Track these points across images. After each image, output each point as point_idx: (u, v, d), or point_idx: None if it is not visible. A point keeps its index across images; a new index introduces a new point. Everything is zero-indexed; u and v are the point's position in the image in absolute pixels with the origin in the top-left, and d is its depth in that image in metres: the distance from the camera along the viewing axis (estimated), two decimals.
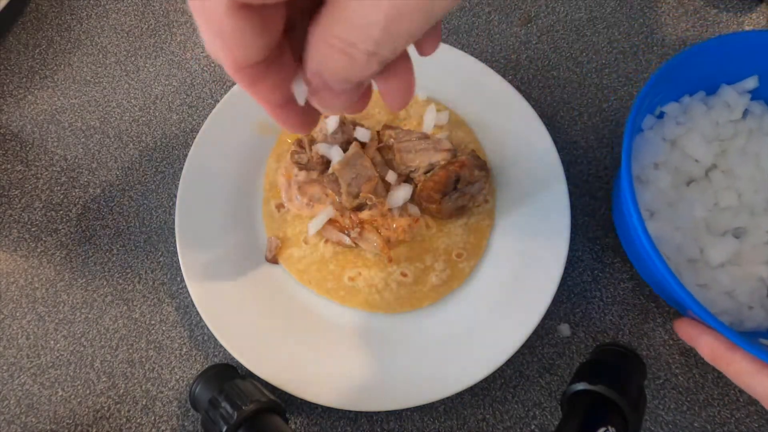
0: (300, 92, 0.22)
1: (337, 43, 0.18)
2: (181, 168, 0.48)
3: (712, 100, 0.47)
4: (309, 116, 0.24)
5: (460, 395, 0.44)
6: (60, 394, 0.45)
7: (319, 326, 0.45)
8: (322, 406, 0.44)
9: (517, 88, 0.53)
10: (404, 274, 0.46)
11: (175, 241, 0.46)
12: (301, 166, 0.47)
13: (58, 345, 0.47)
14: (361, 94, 0.23)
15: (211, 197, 0.47)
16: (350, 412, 0.44)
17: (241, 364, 0.44)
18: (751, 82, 0.46)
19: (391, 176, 0.47)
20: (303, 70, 0.21)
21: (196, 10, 0.18)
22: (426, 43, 0.23)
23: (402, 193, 0.46)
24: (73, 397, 0.45)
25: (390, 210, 0.46)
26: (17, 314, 0.47)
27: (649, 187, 0.45)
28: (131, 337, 0.47)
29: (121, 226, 0.50)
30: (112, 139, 0.54)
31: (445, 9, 0.18)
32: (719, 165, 0.46)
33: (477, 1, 0.59)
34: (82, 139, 0.54)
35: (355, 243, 0.46)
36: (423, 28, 0.18)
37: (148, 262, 0.49)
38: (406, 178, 0.48)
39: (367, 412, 0.44)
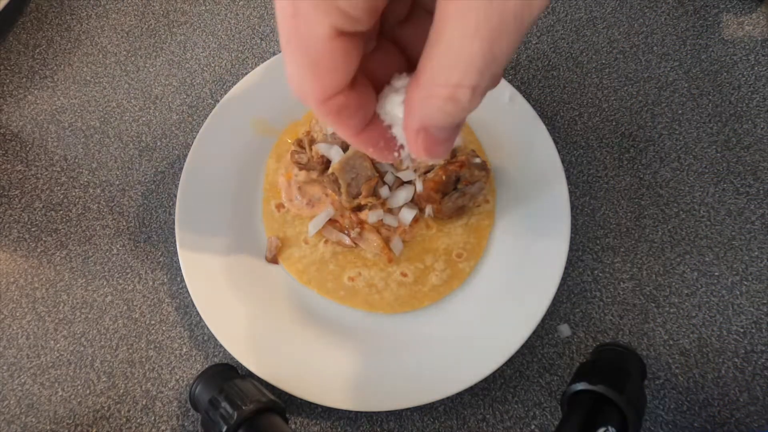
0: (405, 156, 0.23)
1: (443, 91, 0.18)
2: (181, 168, 0.48)
3: None
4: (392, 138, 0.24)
5: (460, 395, 0.44)
6: (60, 394, 0.45)
7: (319, 326, 0.45)
8: (322, 406, 0.44)
9: (517, 88, 0.53)
10: (404, 274, 0.46)
11: (175, 241, 0.46)
12: (301, 166, 0.47)
13: (58, 345, 0.47)
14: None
15: (210, 197, 0.47)
16: (350, 412, 0.44)
17: (241, 364, 0.44)
18: None
19: (389, 177, 0.47)
20: (406, 130, 0.21)
21: (289, 38, 0.18)
22: None
23: (403, 194, 0.46)
24: (73, 397, 0.45)
25: (390, 210, 0.46)
26: (17, 314, 0.47)
27: None
28: (131, 337, 0.47)
29: (121, 226, 0.50)
30: (112, 139, 0.54)
31: (540, 10, 0.18)
32: None
33: None
34: (82, 139, 0.54)
35: (355, 243, 0.46)
36: (520, 40, 0.18)
37: (148, 262, 0.49)
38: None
39: (367, 412, 0.44)
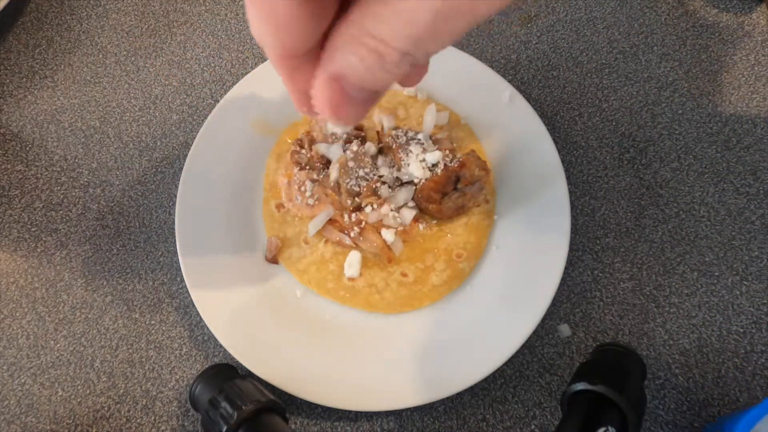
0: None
1: (370, 41, 0.17)
2: (181, 168, 0.48)
3: None
4: None
5: (460, 395, 0.44)
6: (60, 394, 0.45)
7: (320, 326, 0.45)
8: (322, 406, 0.44)
9: (517, 88, 0.53)
10: (404, 274, 0.46)
11: (175, 241, 0.46)
12: (301, 166, 0.47)
13: (58, 345, 0.47)
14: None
15: (211, 197, 0.47)
16: (350, 412, 0.44)
17: (241, 364, 0.44)
18: None
19: (389, 177, 0.47)
20: (318, 74, 0.19)
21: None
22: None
23: (403, 194, 0.46)
24: (73, 397, 0.45)
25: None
26: (17, 314, 0.47)
27: None
28: (131, 337, 0.47)
29: (121, 226, 0.50)
30: (112, 139, 0.54)
31: (496, 7, 0.17)
32: None
33: None
34: (82, 139, 0.54)
35: (355, 243, 0.46)
36: (468, 28, 0.17)
37: (148, 262, 0.49)
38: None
39: (367, 412, 0.44)
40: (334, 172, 0.46)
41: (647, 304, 0.47)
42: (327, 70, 0.18)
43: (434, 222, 0.47)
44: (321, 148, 0.47)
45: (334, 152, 0.47)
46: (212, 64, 0.56)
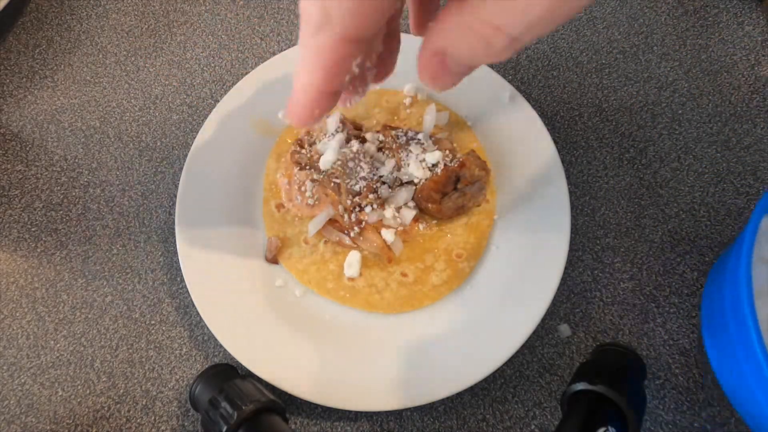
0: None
1: (482, 28, 0.17)
2: (181, 168, 0.48)
3: None
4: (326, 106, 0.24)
5: (460, 395, 0.44)
6: (60, 394, 0.45)
7: (319, 326, 0.45)
8: (322, 406, 0.44)
9: (517, 88, 0.53)
10: (404, 274, 0.46)
11: (175, 241, 0.46)
12: (301, 166, 0.47)
13: (58, 345, 0.47)
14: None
15: (211, 197, 0.47)
16: (350, 412, 0.44)
17: (241, 364, 0.44)
18: None
19: (389, 177, 0.47)
20: (423, 47, 0.20)
21: (307, 46, 0.19)
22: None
23: (403, 194, 0.46)
24: (73, 397, 0.45)
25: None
26: (17, 314, 0.47)
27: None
28: (131, 337, 0.47)
29: (121, 226, 0.50)
30: (112, 139, 0.54)
31: None
32: None
33: None
34: (82, 139, 0.54)
35: (355, 243, 0.46)
36: (581, 9, 0.18)
37: (148, 262, 0.49)
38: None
39: (367, 412, 0.44)
40: (324, 163, 0.46)
41: (647, 304, 0.47)
42: (433, 47, 0.20)
43: (434, 222, 0.47)
44: (321, 148, 0.47)
45: (332, 149, 0.46)
46: (212, 64, 0.56)
